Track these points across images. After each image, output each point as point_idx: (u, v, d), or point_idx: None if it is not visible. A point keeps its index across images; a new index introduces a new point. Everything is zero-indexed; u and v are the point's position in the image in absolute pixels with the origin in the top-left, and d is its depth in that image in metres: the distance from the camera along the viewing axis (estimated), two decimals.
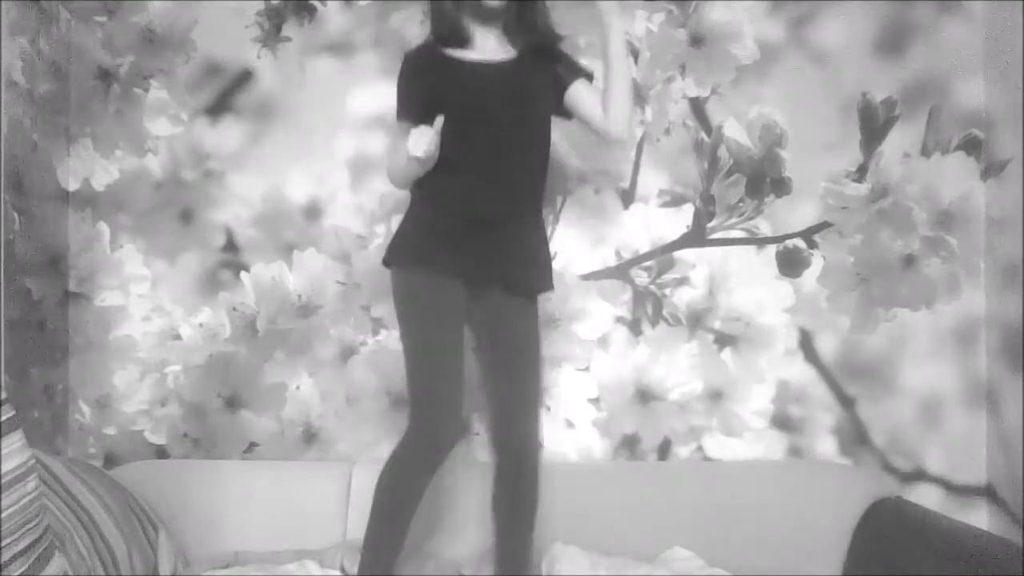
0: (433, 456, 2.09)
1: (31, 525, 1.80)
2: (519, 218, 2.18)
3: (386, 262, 2.24)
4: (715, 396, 2.74)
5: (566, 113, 2.26)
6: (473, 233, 2.12)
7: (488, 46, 2.19)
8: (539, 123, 2.22)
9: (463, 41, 2.17)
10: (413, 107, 2.16)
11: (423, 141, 2.03)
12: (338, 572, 2.38)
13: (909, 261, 2.69)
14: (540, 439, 2.21)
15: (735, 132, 2.71)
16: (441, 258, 2.12)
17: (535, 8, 2.21)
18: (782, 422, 2.75)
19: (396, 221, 2.67)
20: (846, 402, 2.76)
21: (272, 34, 2.76)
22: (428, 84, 2.15)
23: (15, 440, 1.78)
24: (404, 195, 2.66)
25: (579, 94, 2.22)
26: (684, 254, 2.73)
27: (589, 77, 2.26)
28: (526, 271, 2.21)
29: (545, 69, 2.22)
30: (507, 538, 2.22)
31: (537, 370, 2.24)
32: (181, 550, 2.46)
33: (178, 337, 2.76)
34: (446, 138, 2.06)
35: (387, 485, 2.12)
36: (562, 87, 2.23)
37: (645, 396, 2.73)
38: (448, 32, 2.18)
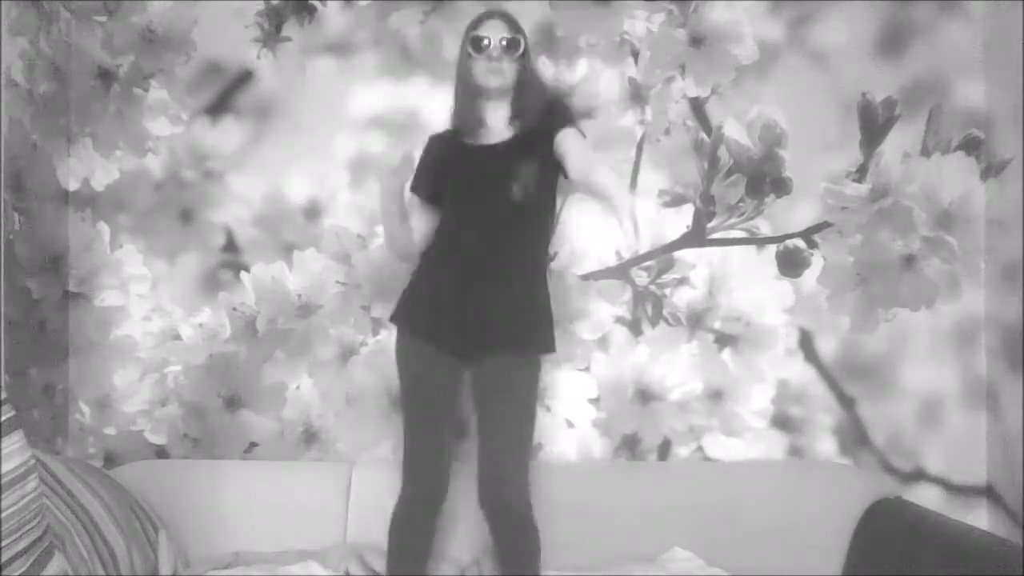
0: (425, 515, 2.25)
1: (31, 525, 1.80)
2: (515, 284, 2.22)
3: (392, 319, 2.32)
4: (715, 396, 2.74)
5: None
6: (467, 304, 2.20)
7: (497, 127, 2.26)
8: (531, 196, 2.19)
9: (475, 128, 2.26)
10: (425, 184, 2.32)
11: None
12: (342, 574, 2.38)
13: (909, 261, 2.69)
14: (529, 499, 2.20)
15: (735, 132, 2.71)
16: (436, 333, 2.22)
17: (532, 88, 2.27)
18: (782, 422, 2.75)
19: None
20: (846, 402, 2.76)
21: (272, 34, 2.76)
22: (438, 166, 2.30)
23: (15, 440, 1.78)
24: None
25: (561, 141, 2.18)
26: (684, 254, 2.73)
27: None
28: (522, 334, 2.23)
29: (543, 142, 2.20)
30: None
31: (529, 431, 2.25)
32: (181, 550, 2.46)
33: (178, 337, 2.76)
34: (449, 215, 2.26)
35: (394, 537, 2.26)
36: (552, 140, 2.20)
37: (645, 396, 2.73)
38: (461, 124, 2.29)
